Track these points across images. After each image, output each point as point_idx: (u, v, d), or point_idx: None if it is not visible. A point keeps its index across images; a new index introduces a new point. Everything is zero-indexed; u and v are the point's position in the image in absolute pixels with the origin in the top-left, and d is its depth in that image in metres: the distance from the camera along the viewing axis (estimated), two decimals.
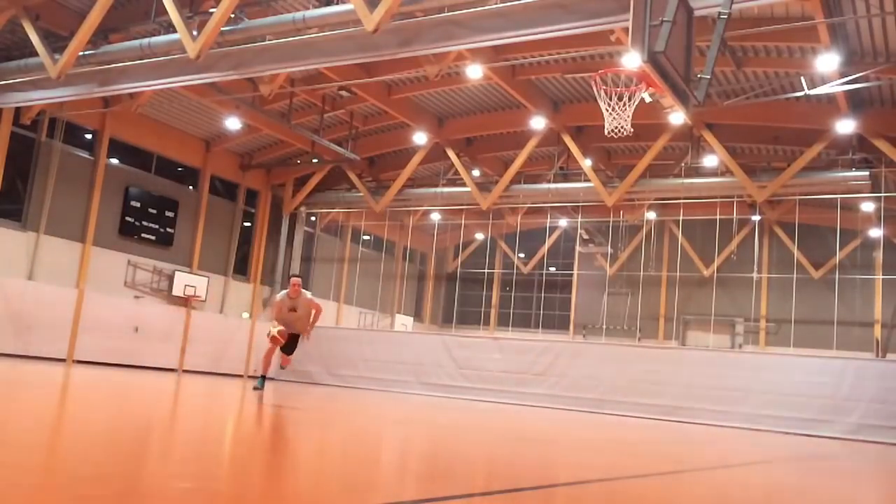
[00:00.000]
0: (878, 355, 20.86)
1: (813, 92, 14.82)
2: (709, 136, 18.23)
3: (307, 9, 13.38)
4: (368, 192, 23.02)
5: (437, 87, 18.73)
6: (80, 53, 14.10)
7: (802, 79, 15.00)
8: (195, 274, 21.63)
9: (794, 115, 17.51)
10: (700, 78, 7.75)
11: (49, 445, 3.34)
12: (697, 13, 8.23)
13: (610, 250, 26.58)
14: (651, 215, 25.07)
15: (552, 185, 21.19)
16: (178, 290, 20.87)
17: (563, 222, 26.69)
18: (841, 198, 19.50)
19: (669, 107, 8.10)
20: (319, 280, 26.59)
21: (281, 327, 9.67)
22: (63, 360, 17.71)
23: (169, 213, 21.16)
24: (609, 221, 25.16)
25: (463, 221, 26.79)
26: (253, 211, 24.16)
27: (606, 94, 10.01)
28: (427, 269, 31.78)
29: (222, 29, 12.60)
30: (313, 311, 9.94)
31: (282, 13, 13.99)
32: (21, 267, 17.89)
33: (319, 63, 13.25)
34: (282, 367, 11.17)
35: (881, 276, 23.66)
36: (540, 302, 27.97)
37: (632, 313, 26.96)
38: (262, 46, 13.18)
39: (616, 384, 15.91)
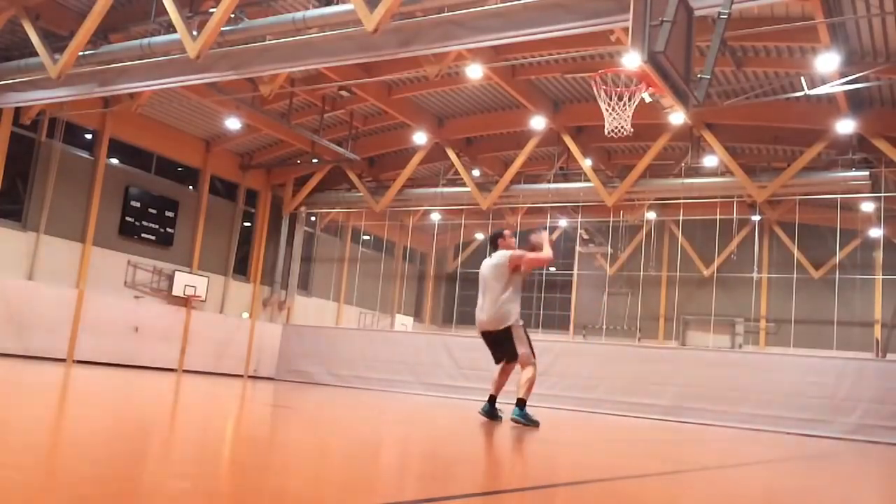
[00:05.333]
0: (878, 355, 20.85)
1: (813, 92, 14.82)
2: (709, 136, 18.23)
3: (307, 9, 13.38)
4: (368, 192, 23.03)
5: (437, 87, 18.74)
6: (80, 53, 14.10)
7: (802, 79, 15.00)
8: (195, 274, 21.63)
9: (794, 115, 17.51)
10: (700, 78, 7.75)
11: (49, 445, 3.34)
12: (697, 13, 8.24)
13: (610, 250, 26.58)
14: (651, 215, 25.07)
15: (552, 185, 21.19)
16: (178, 290, 20.87)
17: (563, 222, 26.71)
18: (841, 198, 19.51)
19: (669, 107, 8.11)
20: (319, 280, 26.60)
21: None
22: (63, 360, 17.71)
23: (169, 213, 21.17)
24: (609, 221, 25.17)
25: (463, 221, 26.79)
26: (253, 211, 24.17)
27: (606, 94, 10.00)
28: (427, 269, 31.78)
29: (222, 29, 12.62)
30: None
31: (282, 13, 14.01)
32: (21, 267, 17.89)
33: (319, 63, 13.27)
34: None
35: (881, 276, 23.67)
36: (540, 302, 27.96)
37: (632, 313, 26.97)
38: (262, 46, 13.19)
39: (616, 384, 15.89)
